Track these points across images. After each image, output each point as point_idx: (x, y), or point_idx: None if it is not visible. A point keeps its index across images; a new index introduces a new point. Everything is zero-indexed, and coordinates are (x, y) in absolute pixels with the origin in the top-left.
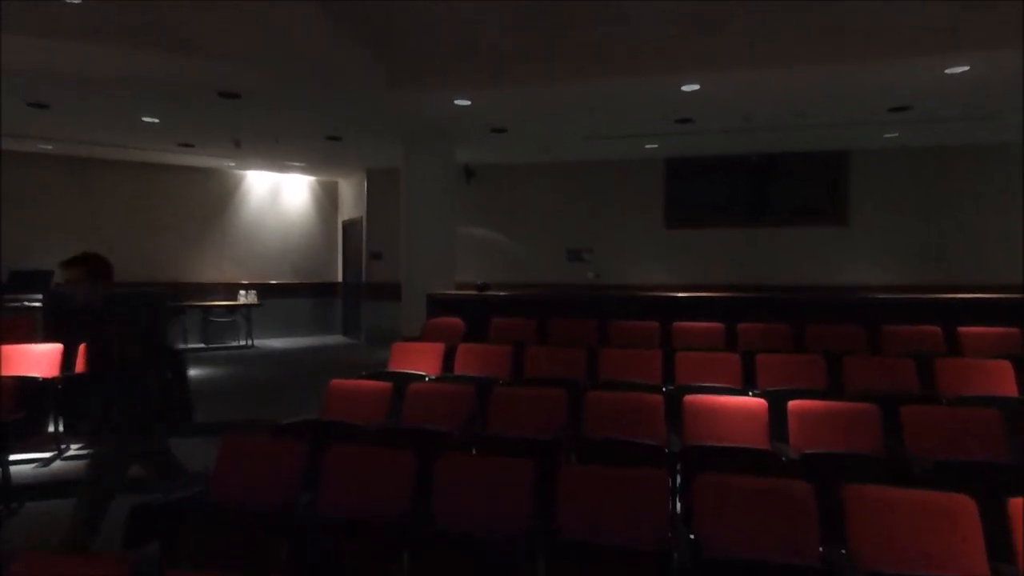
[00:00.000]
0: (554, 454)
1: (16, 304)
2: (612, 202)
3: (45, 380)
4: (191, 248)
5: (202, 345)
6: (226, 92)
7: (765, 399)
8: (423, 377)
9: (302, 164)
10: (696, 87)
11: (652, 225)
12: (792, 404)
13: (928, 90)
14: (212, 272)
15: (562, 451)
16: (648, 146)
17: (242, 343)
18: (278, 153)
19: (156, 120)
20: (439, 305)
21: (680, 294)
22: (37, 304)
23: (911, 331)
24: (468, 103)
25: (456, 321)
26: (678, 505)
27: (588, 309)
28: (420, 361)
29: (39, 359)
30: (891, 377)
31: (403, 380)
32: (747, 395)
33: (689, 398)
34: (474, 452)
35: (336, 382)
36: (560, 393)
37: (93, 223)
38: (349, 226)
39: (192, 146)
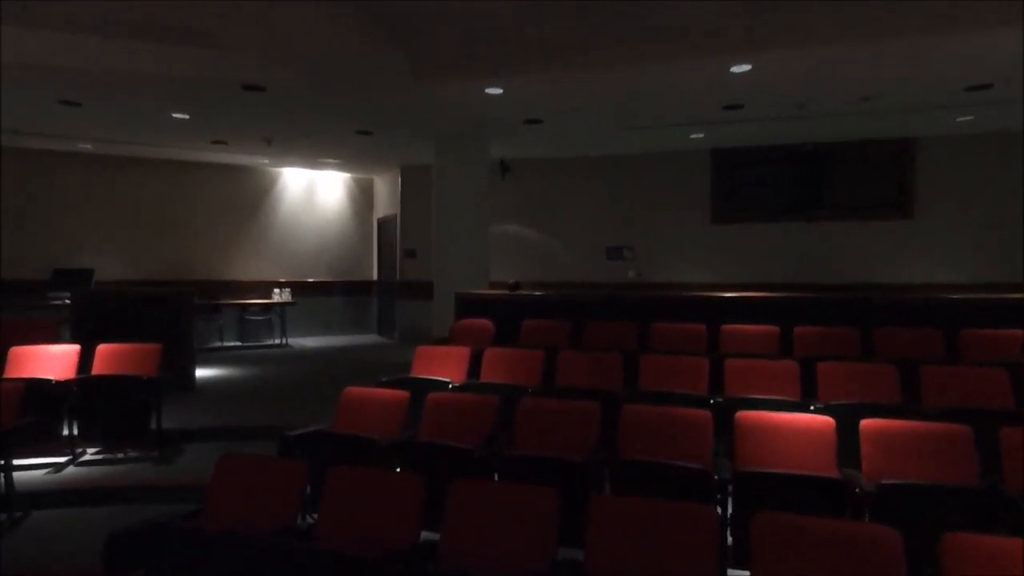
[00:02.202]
0: (585, 479)
1: (58, 302)
2: (654, 196)
3: (58, 383)
4: (227, 246)
5: (238, 343)
6: (250, 85)
7: (831, 416)
8: (446, 384)
9: (336, 161)
10: (747, 68)
11: (697, 220)
12: (865, 424)
13: (1013, 65)
14: (248, 270)
15: (594, 475)
16: (693, 136)
17: (277, 342)
18: (312, 150)
19: (186, 116)
20: (468, 305)
21: (729, 294)
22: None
23: (994, 335)
24: (500, 92)
25: (485, 323)
26: (728, 538)
27: (628, 310)
28: (444, 366)
29: (55, 360)
30: (977, 390)
31: (423, 388)
32: (808, 411)
33: (742, 415)
34: (496, 475)
35: (350, 390)
36: (594, 407)
37: (132, 221)
38: (384, 223)
39: (225, 143)
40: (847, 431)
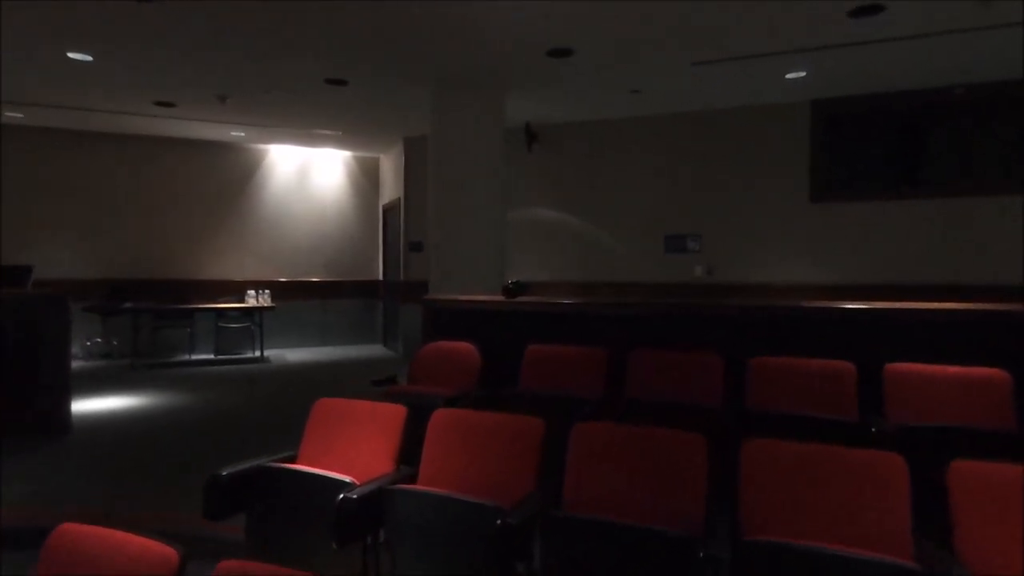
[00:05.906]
0: None
1: None
2: (731, 168)
3: None
4: (202, 239)
5: (211, 356)
6: None
7: None
8: (338, 490)
9: (330, 132)
10: None
11: (790, 198)
12: None
13: None
14: (228, 268)
15: None
16: (791, 75)
17: (255, 355)
18: (285, 114)
19: (88, 58)
20: (441, 319)
21: (884, 304)
22: None
23: None
24: None
25: (467, 348)
26: None
27: (702, 329)
28: (357, 442)
29: None
30: None
31: (294, 497)
32: None
33: None
34: None
35: (65, 533)
36: None
37: (86, 209)
38: (389, 211)
39: (173, 105)
40: None
